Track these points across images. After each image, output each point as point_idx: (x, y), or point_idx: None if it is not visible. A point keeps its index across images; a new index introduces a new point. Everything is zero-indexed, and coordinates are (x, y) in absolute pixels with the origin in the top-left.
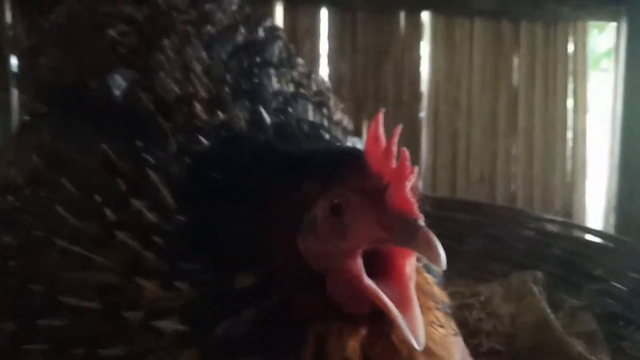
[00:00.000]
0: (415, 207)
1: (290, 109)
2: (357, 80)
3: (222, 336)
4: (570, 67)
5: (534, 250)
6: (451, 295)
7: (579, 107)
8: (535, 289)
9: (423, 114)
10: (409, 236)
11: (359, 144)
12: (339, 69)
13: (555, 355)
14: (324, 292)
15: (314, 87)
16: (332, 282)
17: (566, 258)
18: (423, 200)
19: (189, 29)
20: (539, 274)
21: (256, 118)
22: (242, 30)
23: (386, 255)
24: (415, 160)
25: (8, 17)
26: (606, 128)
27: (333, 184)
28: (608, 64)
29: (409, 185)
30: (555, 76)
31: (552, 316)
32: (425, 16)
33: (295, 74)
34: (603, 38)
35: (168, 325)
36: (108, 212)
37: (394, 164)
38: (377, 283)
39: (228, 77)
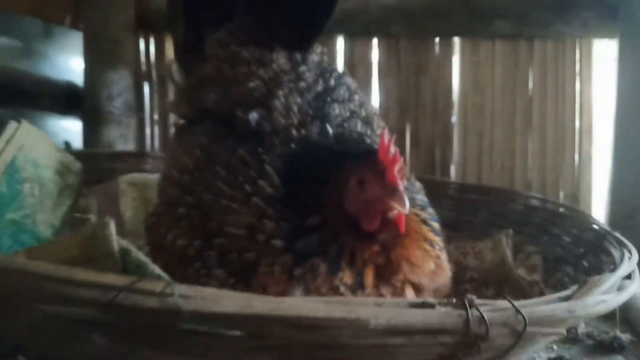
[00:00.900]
0: (399, 180)
1: (346, 125)
2: (401, 93)
3: (301, 248)
4: (577, 77)
5: (520, 219)
6: (456, 248)
7: (585, 110)
8: (503, 239)
9: (454, 118)
10: (393, 194)
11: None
12: (387, 85)
13: (506, 278)
14: (356, 226)
15: (364, 113)
16: (362, 218)
17: (539, 223)
18: (445, 184)
19: (292, 85)
20: (510, 231)
21: (323, 131)
22: (320, 81)
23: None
24: (448, 157)
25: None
26: (610, 125)
27: (360, 168)
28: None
29: (397, 168)
30: (564, 85)
31: (508, 255)
32: (456, 40)
33: (351, 105)
34: (607, 50)
35: (277, 242)
36: (247, 187)
37: (390, 156)
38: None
39: (310, 111)
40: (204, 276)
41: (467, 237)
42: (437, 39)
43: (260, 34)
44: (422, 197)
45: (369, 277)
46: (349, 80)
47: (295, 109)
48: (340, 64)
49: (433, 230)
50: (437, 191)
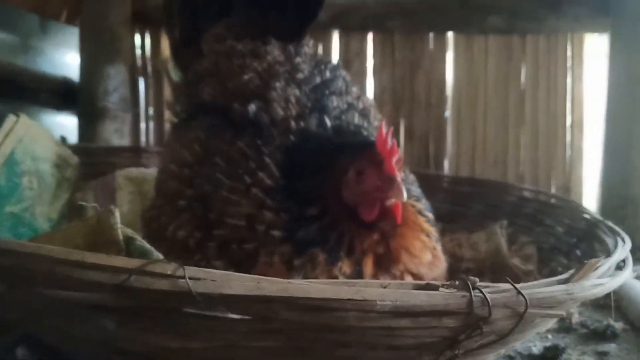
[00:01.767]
0: (396, 170)
1: (343, 117)
2: (396, 87)
3: (301, 238)
4: (569, 71)
5: (513, 210)
6: (451, 240)
7: (576, 104)
8: (498, 230)
9: (448, 112)
10: (392, 185)
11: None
12: (381, 79)
13: (501, 267)
14: (353, 215)
15: (361, 105)
16: (360, 207)
17: (532, 214)
18: (438, 178)
19: (288, 76)
20: (505, 222)
21: (321, 123)
22: (317, 73)
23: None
24: (442, 149)
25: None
26: (600, 119)
27: (358, 159)
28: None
29: (394, 159)
30: (556, 79)
31: (502, 245)
32: (450, 35)
33: (349, 98)
34: (598, 45)
35: (276, 232)
36: (246, 178)
37: (388, 147)
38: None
39: (309, 103)
40: (204, 267)
41: (461, 229)
42: (431, 34)
43: (256, 27)
44: (416, 189)
45: (368, 267)
46: (343, 72)
47: (293, 100)
48: (335, 59)
49: (429, 220)
50: (431, 184)
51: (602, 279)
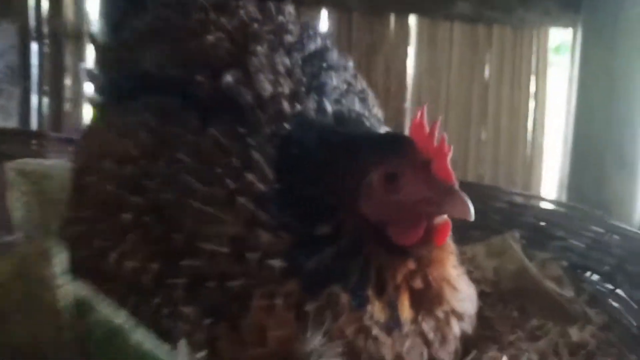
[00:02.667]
0: (454, 175)
1: (343, 101)
2: None
3: (312, 269)
4: (533, 66)
5: (507, 219)
6: None
7: (539, 100)
8: (514, 244)
9: (408, 103)
10: (449, 196)
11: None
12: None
13: (533, 293)
14: (381, 237)
15: (359, 86)
16: (392, 226)
17: (533, 223)
18: None
19: (273, 38)
20: (517, 234)
21: (321, 107)
22: (307, 39)
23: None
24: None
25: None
26: (561, 119)
27: (389, 157)
28: (557, 58)
29: (448, 159)
30: (520, 73)
31: (529, 263)
32: (412, 19)
33: (347, 75)
34: (555, 36)
35: (276, 262)
36: (229, 182)
37: (435, 143)
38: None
39: (304, 78)
40: (167, 316)
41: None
42: (392, 16)
43: None
44: None
45: (405, 309)
46: (332, 39)
47: (282, 71)
48: None
49: None
50: None
51: None
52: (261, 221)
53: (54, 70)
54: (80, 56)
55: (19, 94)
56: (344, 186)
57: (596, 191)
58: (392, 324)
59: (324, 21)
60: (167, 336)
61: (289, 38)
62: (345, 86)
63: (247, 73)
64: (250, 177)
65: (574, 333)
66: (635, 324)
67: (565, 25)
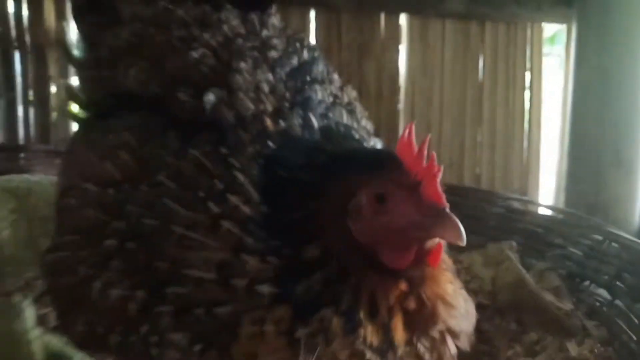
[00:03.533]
0: (444, 197)
1: (330, 114)
2: (342, 75)
3: (302, 294)
4: (528, 64)
5: (503, 224)
6: None
7: (535, 100)
8: (511, 255)
9: (400, 106)
10: (440, 219)
11: (378, 143)
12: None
13: (531, 306)
14: (371, 258)
15: (346, 98)
16: (382, 249)
17: (530, 230)
18: None
19: (257, 55)
20: (514, 244)
21: (307, 123)
22: (292, 52)
23: None
24: (393, 147)
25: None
26: (557, 119)
27: (376, 178)
28: (550, 48)
29: (438, 180)
30: (515, 72)
31: (527, 275)
32: (403, 18)
33: (332, 88)
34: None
35: (265, 288)
36: (212, 206)
37: (424, 163)
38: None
39: (287, 94)
40: (156, 345)
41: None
42: (383, 15)
43: None
44: None
45: (399, 331)
46: (319, 50)
47: (266, 89)
48: None
49: None
50: None
51: None
52: (248, 246)
53: (38, 79)
54: (64, 64)
55: (3, 105)
56: (332, 207)
57: (594, 192)
58: (386, 347)
59: (312, 22)
60: None
61: (272, 54)
62: (331, 99)
63: (230, 91)
64: (234, 200)
65: (573, 348)
66: (635, 338)
67: (559, 21)
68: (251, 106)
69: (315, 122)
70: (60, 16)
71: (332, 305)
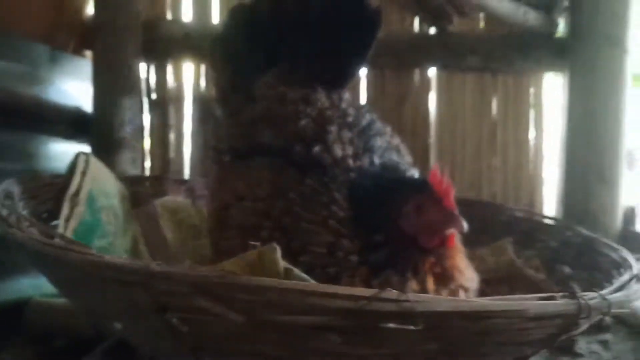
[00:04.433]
0: (455, 206)
1: (386, 155)
2: (386, 118)
3: (374, 261)
4: (532, 106)
5: (506, 228)
6: None
7: (538, 133)
8: (508, 247)
9: (431, 140)
10: (452, 218)
11: (416, 171)
12: (374, 111)
13: (518, 277)
14: (414, 242)
15: (395, 142)
16: (420, 236)
17: (525, 231)
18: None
19: (340, 121)
20: (511, 240)
21: (372, 161)
22: (360, 116)
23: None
24: (426, 172)
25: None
26: (557, 147)
27: (417, 195)
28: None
29: (452, 197)
30: (522, 112)
31: (517, 259)
32: (432, 71)
33: (387, 137)
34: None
35: (354, 257)
36: (323, 211)
37: (445, 187)
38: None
39: (360, 144)
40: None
41: (464, 245)
42: (417, 71)
43: (302, 76)
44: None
45: (430, 284)
46: (374, 114)
47: (347, 141)
48: None
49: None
50: None
51: None
52: (344, 234)
53: (159, 127)
54: (180, 115)
55: (140, 148)
56: (391, 213)
57: (583, 203)
58: (422, 292)
59: (363, 78)
60: None
61: (349, 119)
62: (386, 144)
63: (326, 144)
64: (334, 208)
65: None
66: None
67: (556, 70)
68: (340, 153)
69: (377, 161)
70: (178, 78)
71: (392, 268)
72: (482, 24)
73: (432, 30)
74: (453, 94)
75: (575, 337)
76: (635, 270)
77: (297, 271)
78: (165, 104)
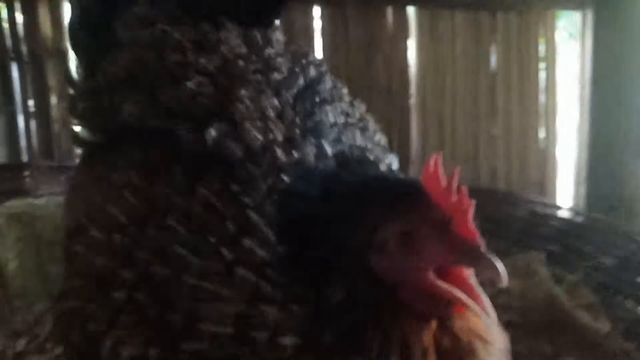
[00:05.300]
0: (478, 235)
1: (343, 138)
2: (351, 72)
3: (329, 343)
4: (542, 51)
5: (528, 229)
6: None
7: (550, 88)
8: (540, 269)
9: (412, 101)
10: (475, 259)
11: (395, 160)
12: (333, 63)
13: (566, 327)
14: (399, 298)
15: (357, 114)
16: (406, 290)
17: (558, 236)
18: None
19: (260, 78)
20: (542, 256)
21: (320, 152)
22: (297, 71)
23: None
24: (406, 146)
25: None
26: (575, 109)
27: (401, 213)
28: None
29: (470, 216)
30: (529, 60)
31: (559, 292)
32: (411, 10)
33: (343, 105)
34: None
35: (288, 340)
36: (225, 252)
37: (454, 198)
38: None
39: (297, 119)
40: None
41: None
42: (390, 9)
43: (199, 5)
44: None
45: None
46: (325, 65)
47: (272, 115)
48: None
49: None
50: None
51: None
52: (266, 295)
53: (38, 91)
54: (63, 73)
55: (4, 120)
56: (355, 245)
57: (616, 185)
58: None
59: (316, 20)
60: None
61: (276, 76)
62: (343, 119)
63: (234, 122)
64: (248, 243)
65: None
66: None
67: (573, 7)
68: (259, 137)
69: (329, 150)
70: (57, 24)
71: (362, 353)
72: None
73: None
74: (438, 40)
75: None
76: None
77: None
78: (41, 59)
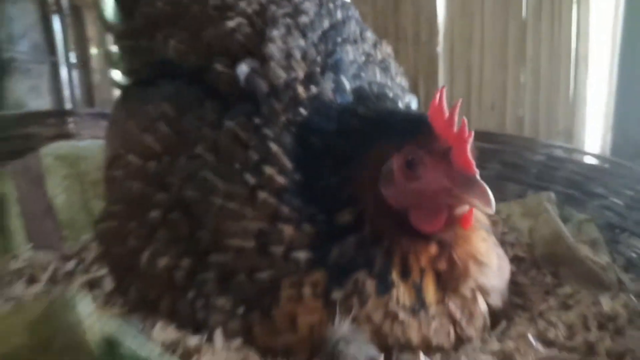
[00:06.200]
0: (474, 164)
1: (363, 74)
2: (378, 20)
3: (337, 259)
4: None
5: (544, 173)
6: None
7: (582, 35)
8: (549, 207)
9: (439, 49)
10: (469, 187)
11: (414, 100)
12: (360, 11)
13: (568, 259)
14: (403, 222)
15: (379, 56)
16: (412, 213)
17: (572, 179)
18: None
19: (289, 21)
20: (552, 195)
21: (339, 86)
22: (324, 13)
23: None
24: (433, 92)
25: None
26: (607, 56)
27: (407, 144)
28: None
29: (468, 147)
30: (560, 6)
31: (564, 229)
32: None
33: (365, 46)
34: None
35: (300, 254)
36: (248, 177)
37: (455, 129)
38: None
39: (318, 58)
40: (203, 308)
41: None
42: None
43: None
44: None
45: (430, 291)
46: (353, 9)
47: (298, 55)
48: None
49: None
50: None
51: None
52: (283, 215)
53: (79, 42)
54: (103, 25)
55: (47, 71)
56: (364, 173)
57: None
58: (418, 307)
59: None
60: (204, 327)
61: (303, 19)
62: (363, 58)
63: (263, 61)
64: (269, 170)
65: (606, 302)
66: None
67: None
68: (283, 74)
69: (347, 85)
70: None
71: (365, 267)
72: None
73: None
74: None
75: None
76: None
77: (131, 342)
78: (81, 11)
